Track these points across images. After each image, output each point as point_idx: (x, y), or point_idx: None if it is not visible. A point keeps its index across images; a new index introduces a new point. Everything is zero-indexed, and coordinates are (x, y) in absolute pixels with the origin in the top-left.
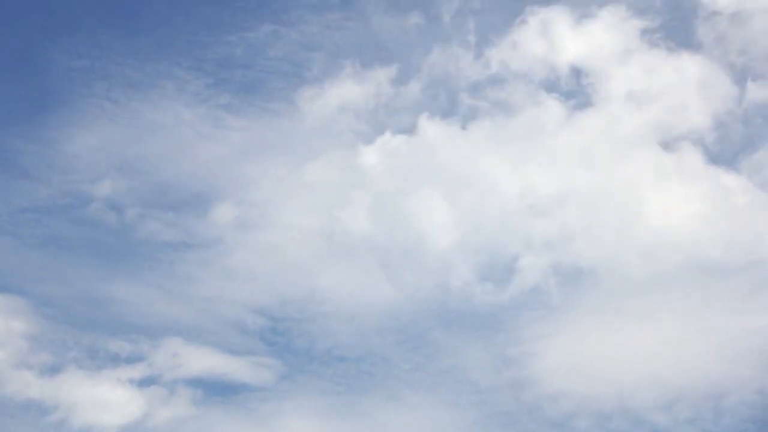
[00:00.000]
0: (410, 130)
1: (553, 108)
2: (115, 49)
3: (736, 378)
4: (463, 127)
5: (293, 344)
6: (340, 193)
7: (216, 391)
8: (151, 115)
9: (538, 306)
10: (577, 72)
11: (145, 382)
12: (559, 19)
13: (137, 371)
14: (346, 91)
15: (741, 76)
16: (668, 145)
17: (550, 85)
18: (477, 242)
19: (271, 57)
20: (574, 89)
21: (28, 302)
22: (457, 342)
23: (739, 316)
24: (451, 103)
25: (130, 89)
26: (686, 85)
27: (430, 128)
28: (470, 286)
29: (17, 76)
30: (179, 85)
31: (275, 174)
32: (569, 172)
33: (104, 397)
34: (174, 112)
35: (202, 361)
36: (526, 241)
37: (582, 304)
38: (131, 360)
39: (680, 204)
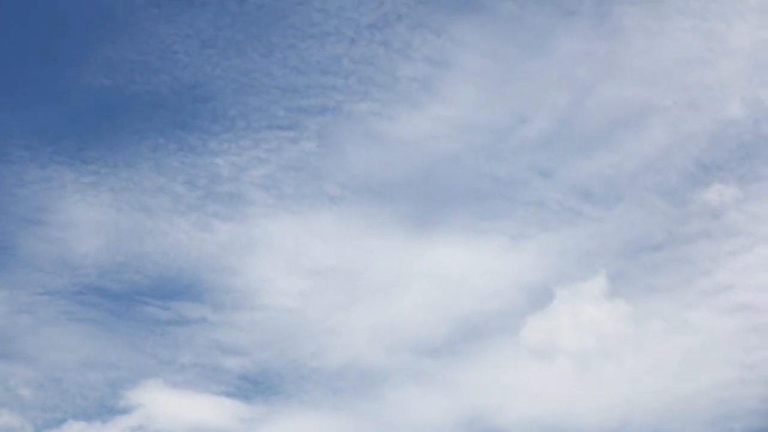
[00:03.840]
0: None
1: None
2: (120, 167)
3: None
4: None
5: (272, 398)
6: (310, 280)
7: None
8: (150, 222)
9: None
10: None
11: (140, 429)
12: None
13: (134, 420)
14: None
15: None
16: None
17: None
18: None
19: (253, 175)
20: None
21: (37, 368)
22: (426, 395)
23: (685, 377)
24: None
25: (132, 200)
26: None
27: None
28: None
29: (35, 187)
30: (174, 197)
31: (254, 265)
32: None
33: None
34: (169, 220)
35: (191, 409)
36: None
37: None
38: (128, 411)
39: None
